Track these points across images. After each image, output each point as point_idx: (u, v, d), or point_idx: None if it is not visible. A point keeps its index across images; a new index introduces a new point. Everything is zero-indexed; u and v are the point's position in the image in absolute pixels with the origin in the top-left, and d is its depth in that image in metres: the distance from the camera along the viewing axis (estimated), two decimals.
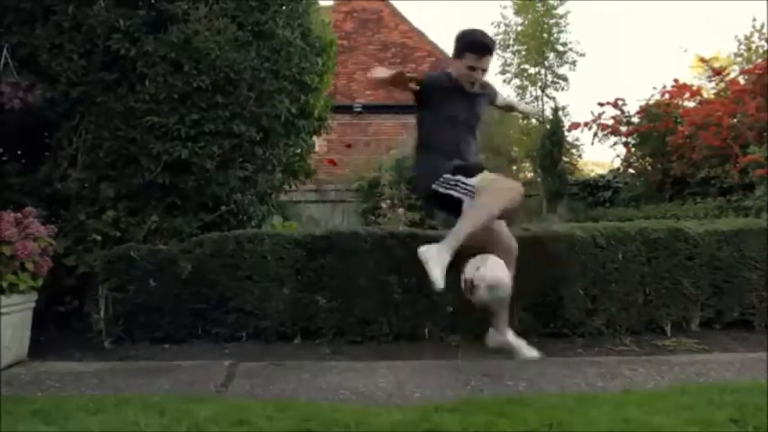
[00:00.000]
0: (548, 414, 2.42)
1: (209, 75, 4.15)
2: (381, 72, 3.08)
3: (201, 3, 4.22)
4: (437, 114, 3.18)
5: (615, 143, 8.80)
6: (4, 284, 3.36)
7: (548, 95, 13.32)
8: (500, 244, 3.14)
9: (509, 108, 4.05)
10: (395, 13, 14.73)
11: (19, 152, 4.59)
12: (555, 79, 13.45)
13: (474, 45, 3.10)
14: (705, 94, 8.32)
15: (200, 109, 4.17)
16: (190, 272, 3.87)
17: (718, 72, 8.35)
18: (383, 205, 8.25)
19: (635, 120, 8.49)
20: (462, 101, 3.21)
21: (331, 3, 13.98)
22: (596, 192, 9.33)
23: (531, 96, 13.56)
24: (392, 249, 3.86)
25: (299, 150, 5.18)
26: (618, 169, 9.22)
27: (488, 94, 3.50)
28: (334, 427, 2.33)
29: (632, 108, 8.55)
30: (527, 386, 3.00)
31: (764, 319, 4.05)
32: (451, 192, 3.09)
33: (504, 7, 14.05)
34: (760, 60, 8.22)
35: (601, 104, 8.68)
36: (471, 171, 3.10)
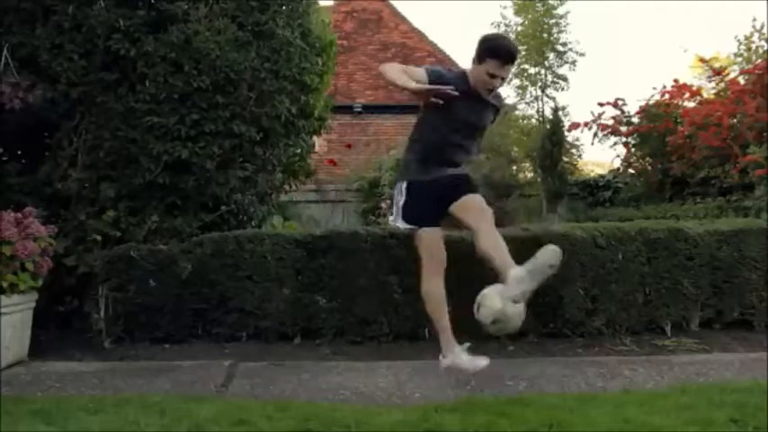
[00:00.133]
0: (548, 414, 2.42)
1: (210, 75, 4.15)
2: (398, 74, 2.88)
3: (201, 3, 4.22)
4: (441, 115, 3.02)
5: (615, 143, 8.80)
6: (5, 284, 3.37)
7: (548, 95, 13.32)
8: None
9: None
10: (395, 14, 14.73)
11: (19, 152, 4.59)
12: (555, 79, 13.44)
13: (498, 51, 2.96)
14: (705, 95, 8.32)
15: (201, 109, 4.18)
16: (190, 272, 3.87)
17: (718, 72, 8.35)
18: (383, 205, 8.25)
19: (635, 120, 8.49)
20: (473, 106, 3.07)
21: (331, 3, 13.98)
22: (596, 192, 9.33)
23: (531, 96, 13.55)
24: (392, 249, 3.86)
25: (299, 150, 5.18)
26: (618, 169, 9.22)
27: (498, 105, 3.34)
28: (334, 427, 2.33)
29: (632, 108, 8.56)
30: (527, 386, 3.01)
31: (764, 319, 4.05)
32: (393, 205, 3.20)
33: (505, 7, 14.04)
34: (760, 60, 8.20)
35: (601, 104, 8.69)
36: (455, 184, 3.07)
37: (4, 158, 4.52)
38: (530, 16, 13.46)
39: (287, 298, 3.88)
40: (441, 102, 2.87)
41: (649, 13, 36.89)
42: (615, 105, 8.59)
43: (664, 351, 3.68)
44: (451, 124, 3.05)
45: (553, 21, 13.42)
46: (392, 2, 14.92)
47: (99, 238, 4.03)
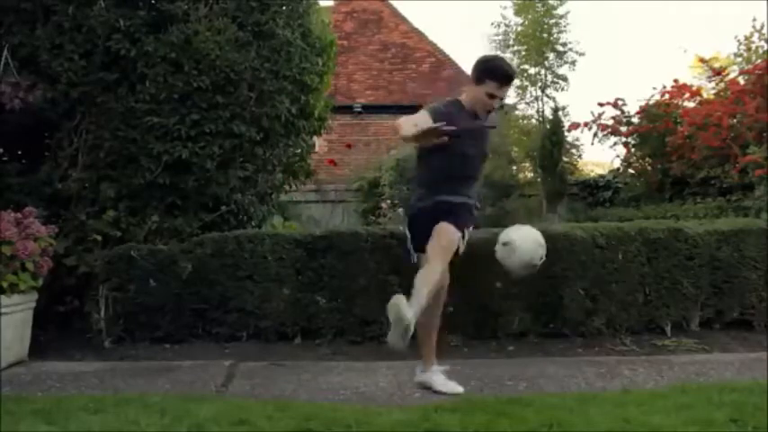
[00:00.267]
0: (548, 414, 2.42)
1: (210, 75, 4.16)
2: (409, 128, 2.79)
3: (202, 3, 4.22)
4: (446, 152, 2.90)
5: (615, 143, 8.78)
6: (5, 284, 3.37)
7: (548, 95, 13.28)
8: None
9: None
10: (395, 14, 14.72)
11: (19, 152, 4.60)
12: (555, 79, 13.41)
13: (497, 73, 2.97)
14: (705, 95, 8.31)
15: (201, 109, 4.18)
16: (190, 272, 3.87)
17: (717, 72, 8.34)
18: (383, 205, 8.25)
19: (635, 120, 8.48)
20: (473, 133, 3.01)
21: (331, 3, 13.97)
22: (596, 192, 9.32)
23: (531, 96, 13.52)
24: (392, 249, 3.86)
25: (299, 150, 5.18)
26: (618, 169, 9.20)
27: (494, 125, 3.30)
28: (334, 427, 2.33)
29: (632, 108, 8.54)
30: (527, 386, 3.01)
31: (764, 319, 4.05)
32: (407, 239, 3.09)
33: (505, 7, 13.99)
34: (760, 60, 8.19)
35: (601, 104, 8.67)
36: (455, 211, 2.95)
37: (5, 158, 4.53)
38: (530, 16, 13.42)
39: (287, 298, 3.88)
40: (446, 139, 2.77)
41: (649, 13, 36.91)
42: (615, 105, 8.58)
43: (664, 351, 3.68)
44: (457, 159, 2.96)
45: (553, 21, 13.38)
46: (392, 2, 14.91)
47: (99, 238, 4.04)
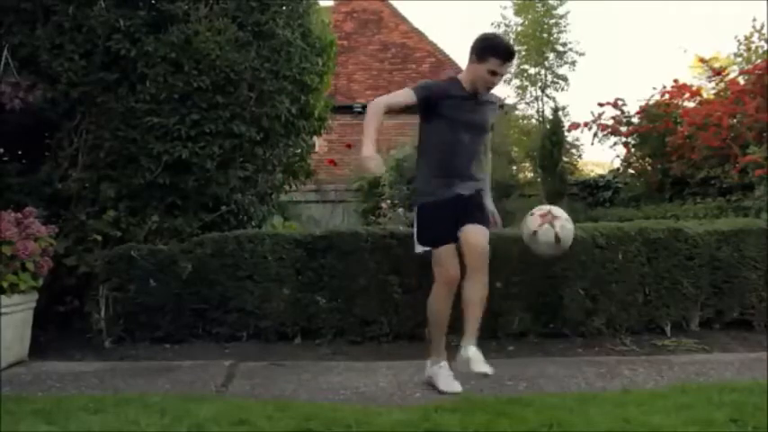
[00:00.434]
0: (548, 414, 2.42)
1: (210, 75, 4.16)
2: (369, 118, 2.92)
3: (202, 3, 4.22)
4: (444, 122, 3.00)
5: (615, 143, 8.78)
6: (5, 284, 3.37)
7: (548, 95, 13.30)
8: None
9: None
10: (395, 14, 14.73)
11: (19, 152, 4.60)
12: (555, 79, 13.42)
13: (499, 49, 2.98)
14: (705, 95, 8.30)
15: (201, 109, 4.18)
16: (190, 272, 3.88)
17: (717, 72, 8.34)
18: (383, 205, 8.25)
19: (635, 120, 8.47)
20: (472, 107, 3.04)
21: (331, 3, 13.98)
22: (596, 192, 9.31)
23: (531, 96, 13.53)
24: (392, 249, 3.86)
25: (299, 150, 5.18)
26: (618, 169, 9.20)
27: (496, 101, 3.34)
28: (334, 427, 2.33)
29: (632, 108, 8.53)
30: (527, 386, 3.01)
31: (764, 319, 4.05)
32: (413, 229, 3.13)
33: (505, 7, 14.02)
34: (760, 60, 8.19)
35: (601, 104, 8.67)
36: (471, 207, 3.01)
37: (5, 158, 4.53)
38: (530, 16, 13.44)
39: (287, 298, 3.88)
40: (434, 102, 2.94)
41: (649, 13, 36.90)
42: (615, 105, 8.57)
43: (664, 351, 3.68)
44: (456, 127, 3.01)
45: (553, 21, 13.40)
46: (392, 2, 14.93)
47: (99, 238, 4.04)
